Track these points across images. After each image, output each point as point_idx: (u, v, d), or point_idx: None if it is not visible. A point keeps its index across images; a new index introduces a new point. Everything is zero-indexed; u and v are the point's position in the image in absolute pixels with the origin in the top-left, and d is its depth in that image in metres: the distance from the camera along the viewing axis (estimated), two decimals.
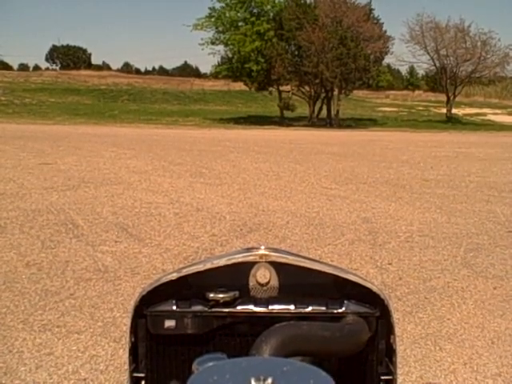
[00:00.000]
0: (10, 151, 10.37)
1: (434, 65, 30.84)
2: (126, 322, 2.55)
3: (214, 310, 0.64)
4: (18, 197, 5.78)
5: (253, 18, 25.47)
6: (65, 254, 3.85)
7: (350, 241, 4.34)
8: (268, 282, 0.65)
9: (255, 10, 25.97)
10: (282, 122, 25.08)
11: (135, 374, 0.67)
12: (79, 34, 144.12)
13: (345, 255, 3.97)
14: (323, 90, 25.32)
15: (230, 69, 26.23)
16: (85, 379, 2.19)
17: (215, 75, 30.67)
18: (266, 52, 24.24)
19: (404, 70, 54.35)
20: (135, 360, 0.67)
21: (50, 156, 9.64)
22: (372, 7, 27.33)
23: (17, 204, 5.43)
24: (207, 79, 45.72)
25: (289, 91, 26.55)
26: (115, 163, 8.88)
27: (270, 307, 0.64)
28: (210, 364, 0.53)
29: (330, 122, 24.56)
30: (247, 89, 29.09)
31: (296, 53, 24.81)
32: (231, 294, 0.64)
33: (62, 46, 67.66)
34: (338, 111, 24.87)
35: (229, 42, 25.66)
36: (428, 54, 30.69)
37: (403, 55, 55.21)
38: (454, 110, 30.33)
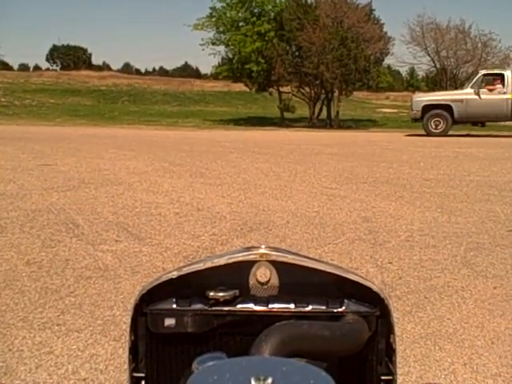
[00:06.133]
0: (10, 152, 10.37)
1: (435, 66, 30.85)
2: (126, 320, 2.55)
3: (214, 308, 0.64)
4: (18, 197, 5.78)
5: (253, 18, 25.43)
6: (65, 253, 3.85)
7: (350, 240, 4.34)
8: (268, 281, 0.65)
9: (256, 10, 25.92)
10: (282, 123, 25.08)
11: (135, 374, 0.67)
12: (79, 33, 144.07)
13: (345, 254, 3.97)
14: (323, 91, 25.29)
15: (231, 69, 26.20)
16: (85, 379, 2.19)
17: (215, 76, 30.67)
18: (267, 53, 24.20)
19: (404, 71, 54.24)
20: (135, 359, 0.67)
21: (50, 157, 9.64)
22: (373, 8, 27.35)
23: (17, 204, 5.43)
24: (207, 80, 45.71)
25: (289, 92, 26.52)
26: (115, 164, 8.88)
27: (270, 306, 0.64)
28: (210, 363, 0.53)
29: (330, 123, 24.55)
30: (247, 90, 29.05)
31: (296, 53, 24.78)
32: (231, 292, 0.64)
33: (63, 45, 67.55)
34: (338, 112, 24.85)
35: (229, 43, 25.61)
36: (428, 55, 30.69)
37: (403, 56, 55.11)
38: None
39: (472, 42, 29.35)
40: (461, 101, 17.66)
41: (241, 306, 0.64)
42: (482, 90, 17.50)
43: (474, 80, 18.22)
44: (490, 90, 17.51)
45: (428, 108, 17.95)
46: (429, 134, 17.74)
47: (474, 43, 29.31)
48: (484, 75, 18.19)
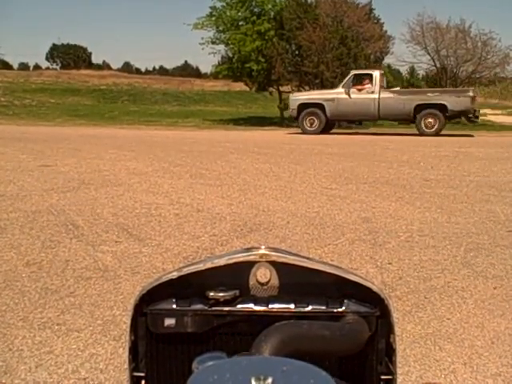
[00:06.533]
0: (10, 153, 10.37)
1: (435, 65, 30.86)
2: (126, 320, 2.55)
3: (214, 308, 0.64)
4: (18, 198, 5.78)
5: (253, 18, 25.41)
6: (65, 254, 3.85)
7: (350, 240, 4.34)
8: (268, 282, 0.65)
9: (256, 9, 25.90)
10: (282, 122, 25.07)
11: (135, 374, 0.67)
12: (79, 33, 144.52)
13: (345, 255, 3.97)
14: None
15: (231, 69, 26.17)
16: (85, 378, 2.19)
17: (215, 75, 30.64)
18: (267, 52, 24.19)
19: (404, 70, 54.20)
20: (135, 359, 0.67)
21: (50, 158, 9.65)
22: (372, 7, 27.37)
23: (17, 205, 5.43)
24: (207, 79, 45.70)
25: (289, 92, 26.49)
26: (115, 165, 8.88)
27: (270, 306, 0.65)
28: (210, 363, 0.53)
29: None
30: (247, 89, 29.04)
31: (296, 52, 24.78)
32: (231, 292, 0.64)
33: (63, 44, 67.55)
34: None
35: (229, 42, 25.59)
36: (428, 54, 30.72)
37: (403, 55, 55.22)
38: None
39: (472, 41, 29.36)
40: (332, 100, 18.25)
41: (241, 306, 0.64)
42: (351, 90, 18.07)
43: (346, 80, 18.77)
44: (359, 90, 18.10)
45: (303, 107, 18.57)
46: (304, 132, 18.35)
47: (474, 42, 29.33)
48: (354, 75, 18.73)
